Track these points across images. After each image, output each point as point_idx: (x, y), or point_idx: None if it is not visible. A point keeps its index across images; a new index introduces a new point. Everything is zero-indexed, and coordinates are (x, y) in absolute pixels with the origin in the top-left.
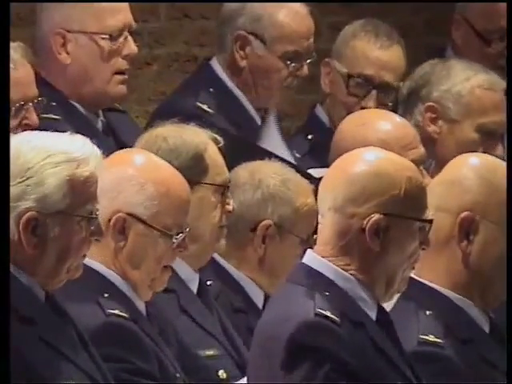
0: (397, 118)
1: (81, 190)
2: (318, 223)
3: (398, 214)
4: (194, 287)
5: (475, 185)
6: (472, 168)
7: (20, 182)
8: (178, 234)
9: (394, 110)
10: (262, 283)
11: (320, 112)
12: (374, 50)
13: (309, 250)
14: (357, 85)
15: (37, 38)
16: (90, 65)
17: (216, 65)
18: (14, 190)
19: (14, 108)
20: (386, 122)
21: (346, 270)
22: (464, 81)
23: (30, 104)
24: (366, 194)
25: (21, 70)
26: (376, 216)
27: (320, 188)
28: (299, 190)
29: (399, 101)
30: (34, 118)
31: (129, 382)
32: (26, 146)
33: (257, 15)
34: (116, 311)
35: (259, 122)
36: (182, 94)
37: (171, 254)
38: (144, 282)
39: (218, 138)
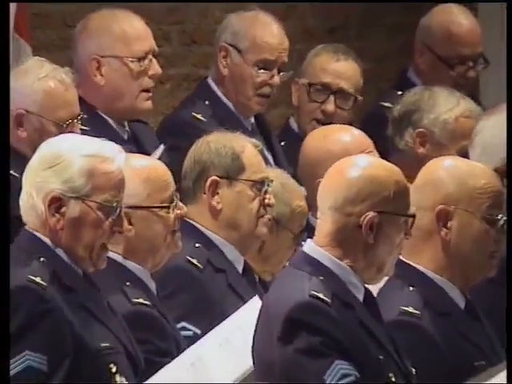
0: (354, 130)
1: (102, 181)
2: (308, 222)
3: (388, 212)
4: (240, 267)
5: (446, 182)
6: (444, 168)
7: (49, 167)
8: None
9: (353, 122)
10: (257, 269)
11: (292, 123)
12: (331, 62)
13: (309, 240)
14: (316, 91)
15: (74, 62)
16: (121, 84)
17: (210, 80)
18: (43, 173)
19: (64, 125)
20: (346, 134)
21: (341, 259)
22: (449, 111)
23: (75, 120)
24: (362, 196)
25: (70, 91)
26: (371, 214)
27: (320, 189)
28: (294, 194)
29: (390, 122)
30: (78, 132)
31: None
32: (63, 141)
33: (236, 29)
34: (140, 300)
35: (249, 128)
36: (182, 107)
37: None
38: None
39: (257, 142)
